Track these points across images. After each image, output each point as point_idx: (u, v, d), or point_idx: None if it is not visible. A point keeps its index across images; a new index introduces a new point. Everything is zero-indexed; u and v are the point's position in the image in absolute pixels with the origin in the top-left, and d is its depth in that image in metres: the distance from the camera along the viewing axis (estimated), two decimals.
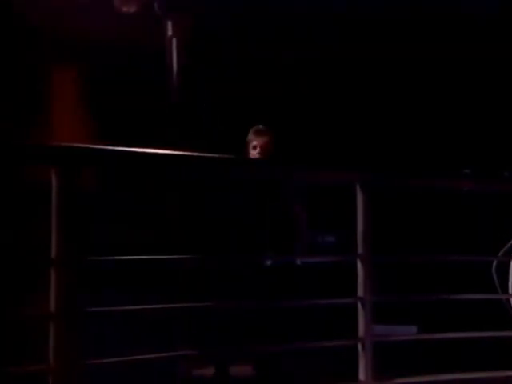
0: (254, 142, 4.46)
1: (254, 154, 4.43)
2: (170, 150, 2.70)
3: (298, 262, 4.80)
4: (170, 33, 4.95)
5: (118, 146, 2.53)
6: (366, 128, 6.17)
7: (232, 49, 5.55)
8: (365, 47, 6.17)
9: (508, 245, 3.44)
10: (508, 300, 3.45)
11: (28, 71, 4.50)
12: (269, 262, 5.04)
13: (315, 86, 6.15)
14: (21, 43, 4.45)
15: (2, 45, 4.39)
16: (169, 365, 2.98)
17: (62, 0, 4.58)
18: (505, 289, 3.46)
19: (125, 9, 4.53)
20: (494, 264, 3.44)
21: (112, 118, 4.73)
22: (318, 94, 6.04)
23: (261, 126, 4.54)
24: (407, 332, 4.69)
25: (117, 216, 3.63)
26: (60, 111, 4.60)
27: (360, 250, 2.75)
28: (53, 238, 2.29)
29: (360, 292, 2.72)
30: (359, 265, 2.74)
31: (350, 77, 6.19)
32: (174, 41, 4.99)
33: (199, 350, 2.79)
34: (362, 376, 2.63)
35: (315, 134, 6.07)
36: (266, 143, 4.45)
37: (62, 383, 2.15)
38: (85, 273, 2.26)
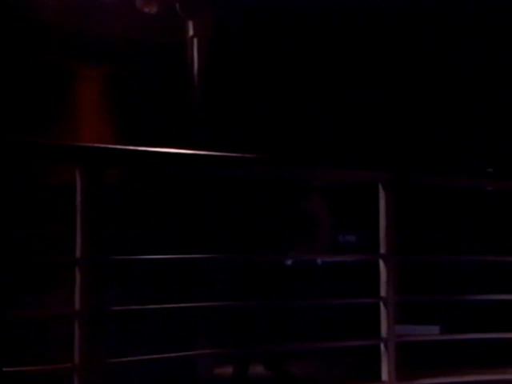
0: None
1: None
2: (192, 149, 2.71)
3: (319, 261, 4.79)
4: (191, 33, 4.97)
5: (140, 145, 2.54)
6: (387, 126, 6.13)
7: (252, 47, 5.56)
8: (386, 44, 6.14)
9: None
10: None
11: (53, 71, 4.54)
12: (289, 262, 5.04)
13: (334, 84, 6.12)
14: (45, 43, 4.49)
15: (27, 45, 4.44)
16: (190, 364, 3.00)
17: (86, 1, 4.62)
18: None
19: (146, 9, 4.55)
20: None
21: (134, 117, 4.76)
22: (340, 92, 6.02)
23: None
24: (430, 332, 4.65)
25: (140, 215, 3.66)
26: (84, 111, 4.64)
27: (382, 249, 2.73)
28: (77, 237, 2.31)
29: (383, 292, 2.71)
30: (382, 264, 2.72)
31: (368, 74, 6.15)
32: (195, 40, 5.00)
33: (221, 349, 2.80)
34: (384, 376, 2.62)
35: (337, 132, 6.05)
36: None
37: (87, 381, 2.17)
38: (111, 271, 2.28)
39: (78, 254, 2.29)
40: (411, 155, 5.82)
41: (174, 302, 2.44)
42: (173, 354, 2.36)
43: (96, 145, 2.51)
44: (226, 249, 3.44)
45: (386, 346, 2.63)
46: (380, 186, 2.70)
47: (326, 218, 5.64)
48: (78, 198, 2.33)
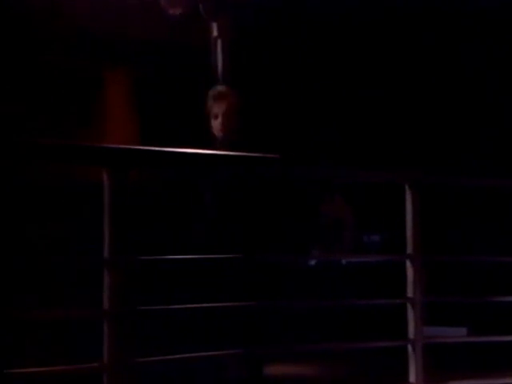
0: (215, 110, 3.43)
1: (216, 125, 3.42)
2: (215, 149, 2.73)
3: (344, 261, 4.78)
4: (215, 33, 4.99)
5: (166, 146, 2.56)
6: (412, 126, 6.09)
7: (275, 48, 5.56)
8: (407, 42, 6.10)
9: None
10: None
11: (80, 74, 4.59)
12: (313, 262, 5.03)
13: (356, 83, 6.10)
14: (73, 47, 4.54)
15: (54, 47, 4.49)
16: (220, 365, 3.01)
17: (111, 3, 4.66)
18: None
19: (171, 11, 4.58)
20: None
21: (160, 118, 4.79)
22: (364, 92, 5.99)
23: (220, 87, 3.55)
24: (457, 333, 4.61)
25: (165, 216, 3.68)
26: (111, 113, 4.69)
27: (409, 249, 2.72)
28: (105, 237, 2.33)
29: (410, 292, 2.69)
30: (409, 265, 2.71)
31: (388, 74, 6.11)
32: (219, 41, 5.02)
33: (251, 350, 2.80)
34: (412, 378, 2.60)
35: (363, 132, 6.02)
36: (228, 109, 3.41)
37: (116, 381, 2.19)
38: (139, 272, 2.30)
39: (105, 254, 2.31)
40: (435, 156, 5.78)
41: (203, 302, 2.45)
42: (200, 354, 2.37)
43: (123, 146, 2.53)
44: (249, 250, 3.45)
45: (413, 348, 2.61)
46: (406, 187, 2.69)
47: (348, 218, 5.62)
48: (106, 198, 2.35)
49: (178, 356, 2.30)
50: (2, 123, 4.20)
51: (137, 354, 2.20)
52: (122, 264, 2.28)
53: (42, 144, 2.42)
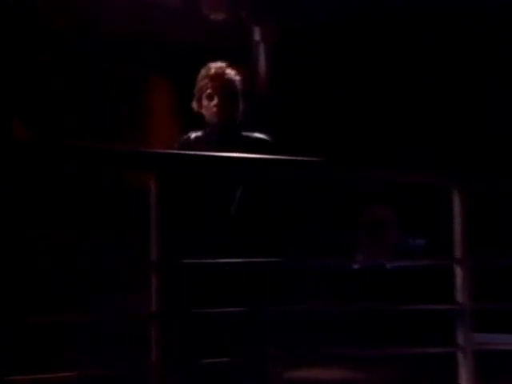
0: (209, 90, 2.97)
1: (210, 107, 2.98)
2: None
3: (388, 265, 4.72)
4: (257, 38, 5.01)
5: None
6: (459, 128, 5.99)
7: (318, 53, 5.55)
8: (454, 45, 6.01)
9: None
10: None
11: (123, 81, 4.66)
12: (356, 266, 4.99)
13: (399, 86, 6.03)
14: (115, 54, 4.61)
15: (98, 57, 4.57)
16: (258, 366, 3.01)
17: (154, 9, 4.72)
18: None
19: (213, 16, 4.61)
20: None
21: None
22: (409, 93, 5.90)
23: (220, 64, 3.03)
24: (509, 341, 4.51)
25: (212, 220, 3.70)
26: (155, 118, 4.74)
27: (457, 253, 2.67)
28: (152, 240, 2.35)
29: (459, 298, 2.64)
30: (457, 269, 2.66)
31: (437, 78, 6.02)
32: (262, 46, 5.04)
33: (290, 352, 2.78)
34: None
35: (410, 134, 5.94)
36: (228, 89, 2.93)
37: (164, 382, 2.20)
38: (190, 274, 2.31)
39: (153, 256, 2.33)
40: (480, 158, 5.68)
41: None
42: (235, 358, 2.37)
43: (169, 151, 2.57)
44: (294, 253, 3.44)
45: (463, 354, 2.56)
46: (454, 190, 2.65)
47: (391, 220, 5.56)
48: (153, 202, 2.37)
49: (219, 360, 2.30)
50: (56, 130, 4.30)
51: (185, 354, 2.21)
52: (170, 267, 2.31)
53: (91, 149, 2.46)
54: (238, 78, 3.01)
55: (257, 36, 4.95)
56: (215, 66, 3.04)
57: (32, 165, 2.51)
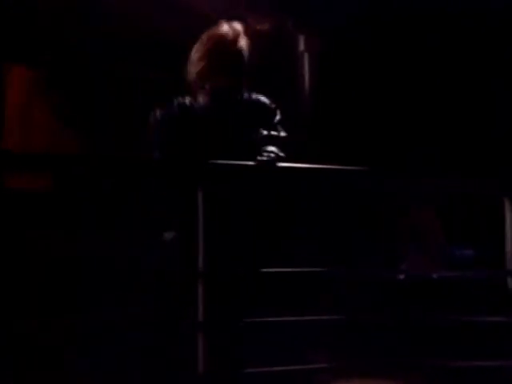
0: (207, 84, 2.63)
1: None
2: (303, 162, 2.73)
3: (435, 276, 4.64)
4: (301, 47, 5.01)
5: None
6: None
7: (362, 61, 5.51)
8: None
9: None
10: None
11: (165, 88, 4.71)
12: (401, 276, 4.91)
13: (446, 93, 5.93)
14: (161, 62, 4.67)
15: (135, 61, 4.63)
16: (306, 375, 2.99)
17: (196, 19, 4.77)
18: None
19: (258, 27, 4.63)
20: None
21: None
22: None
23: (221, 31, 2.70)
24: None
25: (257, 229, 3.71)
26: None
27: (510, 265, 2.61)
28: (199, 251, 2.37)
29: None
30: (510, 281, 2.60)
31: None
32: (306, 55, 5.04)
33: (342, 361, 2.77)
34: None
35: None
36: (234, 62, 2.62)
37: None
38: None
39: (200, 267, 2.35)
40: None
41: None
42: (293, 367, 2.36)
43: (214, 161, 2.59)
44: (342, 262, 3.41)
45: None
46: (506, 199, 2.60)
47: (437, 229, 5.47)
48: (200, 212, 2.40)
49: (269, 369, 2.31)
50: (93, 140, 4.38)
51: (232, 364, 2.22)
52: (217, 276, 2.32)
53: (138, 160, 2.51)
54: (241, 43, 2.71)
55: (301, 45, 4.96)
56: (216, 34, 2.74)
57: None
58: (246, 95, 2.85)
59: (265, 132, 2.76)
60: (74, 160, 2.43)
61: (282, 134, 2.84)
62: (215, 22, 2.97)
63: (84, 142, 4.43)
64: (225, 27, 2.76)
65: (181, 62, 2.88)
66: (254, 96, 2.88)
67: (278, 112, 2.92)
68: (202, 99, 2.77)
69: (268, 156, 2.62)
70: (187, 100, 2.80)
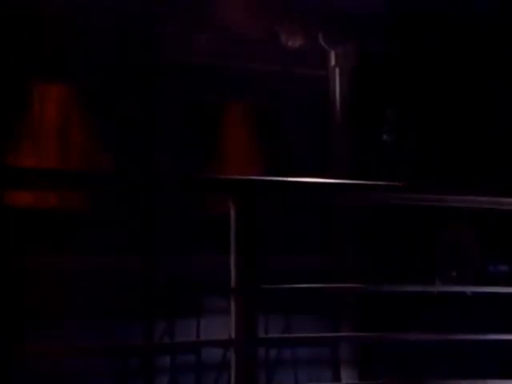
0: None
1: None
2: (335, 178, 2.72)
3: (469, 292, 4.57)
4: (332, 62, 5.01)
5: (286, 176, 2.59)
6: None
7: (397, 73, 5.47)
8: None
9: None
10: None
11: (199, 109, 4.76)
12: (435, 291, 4.85)
13: (492, 104, 5.81)
14: (194, 83, 4.72)
15: (178, 85, 4.69)
16: None
17: (231, 38, 4.81)
18: None
19: (290, 43, 4.65)
20: None
21: (280, 148, 4.86)
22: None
23: None
24: None
25: (291, 244, 3.72)
26: (233, 145, 4.82)
27: None
28: (231, 266, 2.38)
29: None
30: None
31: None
32: (337, 70, 5.04)
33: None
34: None
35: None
36: None
37: None
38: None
39: (232, 283, 2.36)
40: None
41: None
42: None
43: (247, 177, 2.60)
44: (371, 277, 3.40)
45: None
46: None
47: (471, 244, 5.39)
48: (232, 228, 2.40)
49: None
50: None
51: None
52: (249, 292, 2.32)
53: (171, 177, 2.53)
54: None
55: (332, 60, 4.96)
56: None
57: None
58: None
59: None
60: (106, 178, 2.47)
61: None
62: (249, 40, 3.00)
63: (119, 160, 4.49)
64: None
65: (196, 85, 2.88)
66: None
67: None
68: None
69: None
70: None
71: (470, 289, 4.71)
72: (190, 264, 4.24)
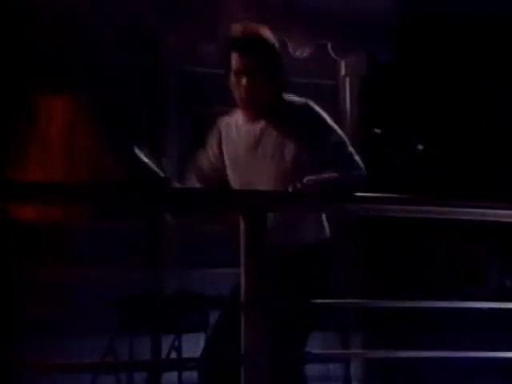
0: (235, 63, 2.43)
1: (236, 88, 2.47)
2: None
3: (485, 308, 4.47)
4: (342, 72, 4.97)
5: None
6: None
7: (407, 82, 5.42)
8: None
9: None
10: None
11: (206, 118, 4.72)
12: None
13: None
14: (199, 90, 4.69)
15: (185, 92, 4.66)
16: None
17: None
18: None
19: (298, 53, 4.60)
20: None
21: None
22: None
23: (249, 26, 2.46)
24: None
25: None
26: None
27: None
28: (242, 281, 2.32)
29: None
30: None
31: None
32: (347, 79, 4.99)
33: None
34: None
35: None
36: (257, 68, 2.40)
37: None
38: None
39: (242, 298, 2.30)
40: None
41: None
42: None
43: (257, 190, 2.56)
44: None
45: None
46: None
47: (489, 259, 5.31)
48: (242, 241, 2.35)
49: None
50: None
51: None
52: (260, 308, 2.26)
53: (183, 191, 2.50)
54: (270, 53, 2.41)
55: (342, 70, 4.91)
56: (246, 29, 2.44)
57: None
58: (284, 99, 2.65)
59: None
60: (112, 189, 2.42)
61: None
62: None
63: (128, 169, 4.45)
64: None
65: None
66: (294, 101, 2.69)
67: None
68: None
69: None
70: (226, 119, 2.76)
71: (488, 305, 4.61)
72: (198, 278, 4.20)
